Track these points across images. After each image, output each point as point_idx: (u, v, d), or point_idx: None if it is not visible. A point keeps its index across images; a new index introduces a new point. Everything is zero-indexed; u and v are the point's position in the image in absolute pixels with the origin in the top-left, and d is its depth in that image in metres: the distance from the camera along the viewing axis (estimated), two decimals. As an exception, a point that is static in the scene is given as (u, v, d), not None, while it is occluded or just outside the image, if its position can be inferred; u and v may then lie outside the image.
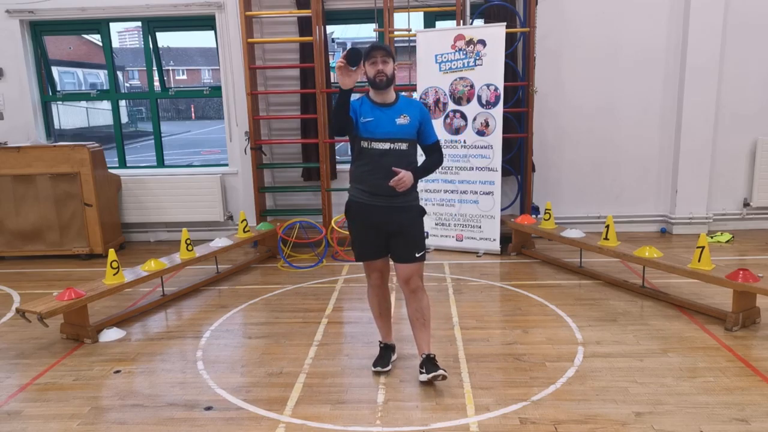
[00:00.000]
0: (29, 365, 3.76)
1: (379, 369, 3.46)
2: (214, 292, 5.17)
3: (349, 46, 3.21)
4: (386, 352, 3.57)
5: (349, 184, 3.36)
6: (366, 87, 3.29)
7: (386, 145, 3.17)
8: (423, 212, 3.38)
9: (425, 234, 3.75)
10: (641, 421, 2.91)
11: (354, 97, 3.16)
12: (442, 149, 3.45)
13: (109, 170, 6.71)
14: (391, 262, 3.41)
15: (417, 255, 3.30)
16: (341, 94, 3.03)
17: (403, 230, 3.28)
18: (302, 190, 7.00)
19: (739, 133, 6.60)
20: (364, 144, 3.20)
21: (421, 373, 3.31)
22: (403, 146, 3.21)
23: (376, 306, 3.52)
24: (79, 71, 23.61)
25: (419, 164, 3.32)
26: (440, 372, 3.23)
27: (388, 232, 3.28)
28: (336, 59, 3.06)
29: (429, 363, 3.30)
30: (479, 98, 5.79)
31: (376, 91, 3.21)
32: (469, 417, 2.99)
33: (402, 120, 3.20)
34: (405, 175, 3.13)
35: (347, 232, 6.11)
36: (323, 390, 3.32)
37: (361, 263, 3.47)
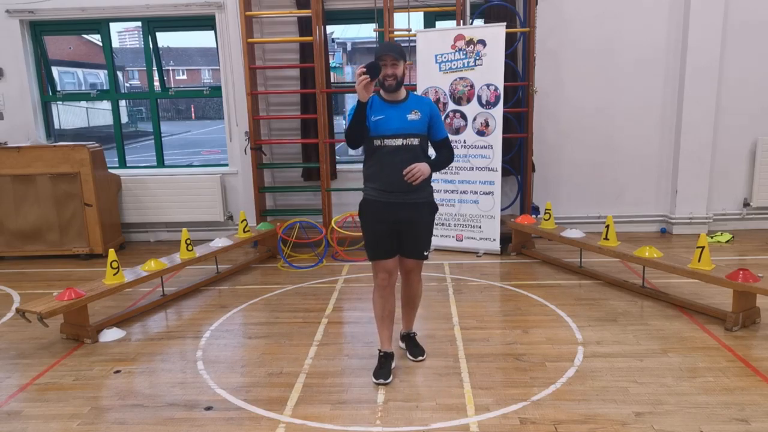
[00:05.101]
0: (29, 365, 3.76)
1: (381, 381, 3.35)
2: (214, 292, 5.17)
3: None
4: (386, 361, 3.45)
5: (363, 184, 3.37)
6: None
7: (398, 141, 3.19)
8: (435, 209, 3.43)
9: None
10: (641, 421, 2.91)
11: None
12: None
13: (109, 170, 6.71)
14: None
15: (425, 253, 3.42)
16: (359, 107, 3.07)
17: (415, 227, 3.33)
18: (302, 190, 7.00)
19: (739, 133, 6.59)
20: (377, 142, 3.22)
21: (402, 347, 3.72)
22: (415, 141, 3.23)
23: (380, 308, 3.44)
24: (79, 71, 23.63)
25: (432, 159, 3.34)
26: (423, 358, 3.64)
27: (400, 228, 3.31)
28: (355, 71, 3.05)
29: (411, 343, 3.70)
30: (479, 98, 5.79)
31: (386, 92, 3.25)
32: (469, 417, 2.99)
33: (413, 116, 3.22)
34: (419, 166, 3.16)
35: (347, 232, 6.12)
36: (323, 390, 3.32)
37: (363, 263, 3.46)
